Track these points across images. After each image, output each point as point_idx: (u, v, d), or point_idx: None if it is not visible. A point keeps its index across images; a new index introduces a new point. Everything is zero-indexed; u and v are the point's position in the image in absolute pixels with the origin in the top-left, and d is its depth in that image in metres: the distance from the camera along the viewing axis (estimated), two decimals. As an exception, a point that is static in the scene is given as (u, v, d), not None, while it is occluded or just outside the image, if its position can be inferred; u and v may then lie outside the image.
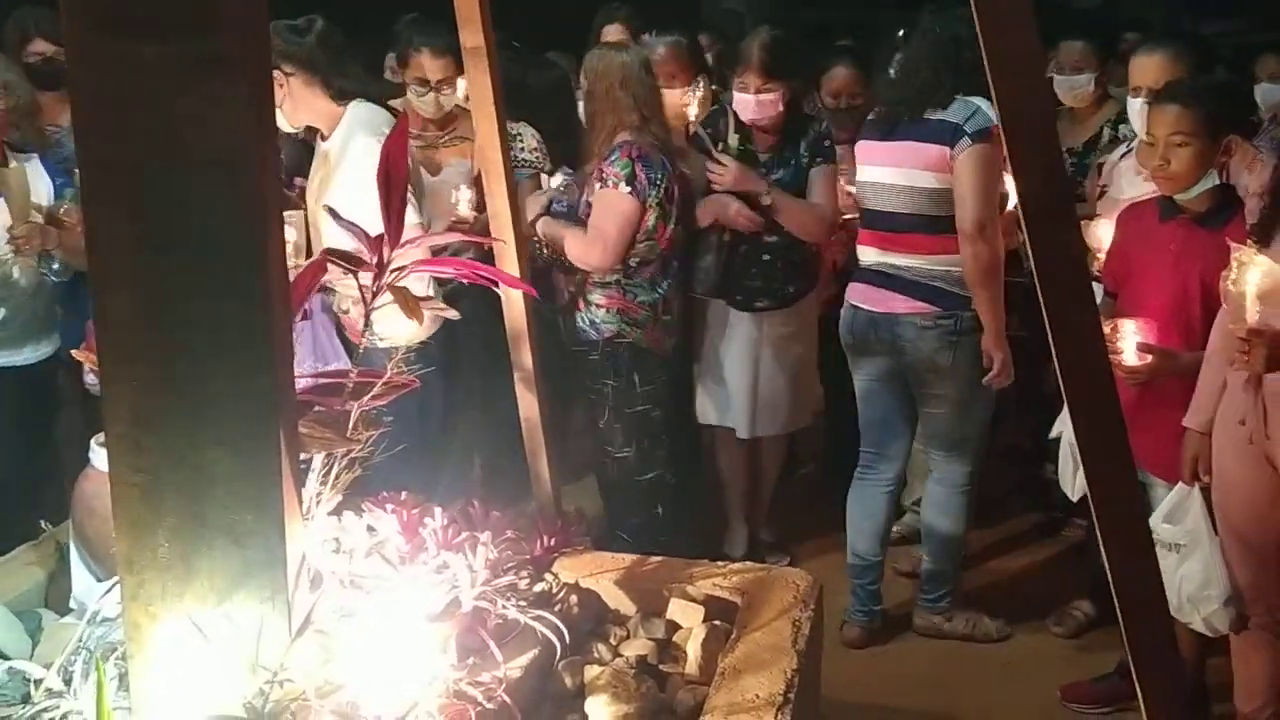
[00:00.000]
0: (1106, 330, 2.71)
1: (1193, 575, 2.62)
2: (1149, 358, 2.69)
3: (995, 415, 3.53)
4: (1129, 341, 2.71)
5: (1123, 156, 3.29)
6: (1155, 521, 2.66)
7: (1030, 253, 1.26)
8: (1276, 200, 2.46)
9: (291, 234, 2.99)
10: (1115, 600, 1.64)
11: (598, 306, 3.41)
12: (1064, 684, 3.20)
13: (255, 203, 1.29)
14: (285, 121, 3.08)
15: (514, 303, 2.27)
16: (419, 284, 3.14)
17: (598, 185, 3.29)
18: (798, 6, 10.00)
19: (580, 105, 3.77)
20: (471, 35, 2.05)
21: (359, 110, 3.07)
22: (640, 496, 3.53)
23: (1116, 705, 3.07)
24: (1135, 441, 2.54)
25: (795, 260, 3.64)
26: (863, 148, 3.43)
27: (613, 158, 3.26)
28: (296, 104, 3.03)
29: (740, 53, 3.58)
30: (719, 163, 3.50)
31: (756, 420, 3.77)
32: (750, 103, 3.50)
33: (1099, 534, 1.59)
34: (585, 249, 3.30)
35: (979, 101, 3.13)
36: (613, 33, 4.41)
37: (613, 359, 3.43)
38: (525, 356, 2.40)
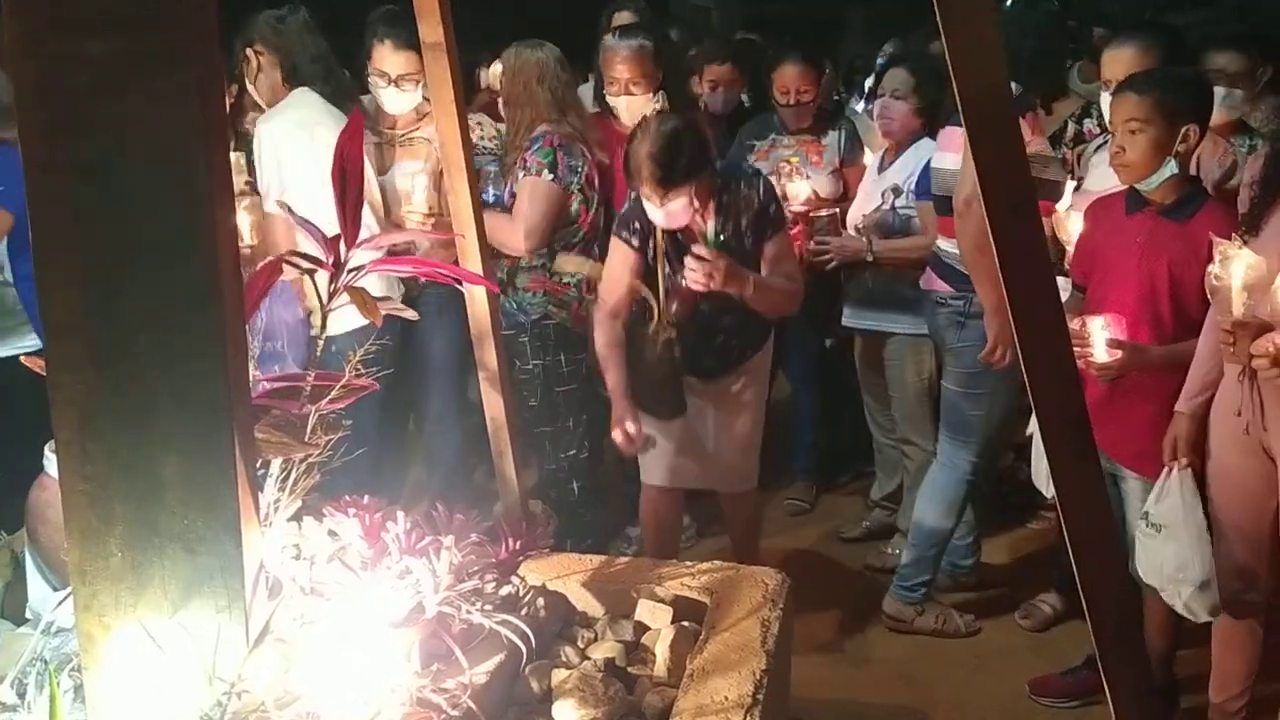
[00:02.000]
0: (1075, 327, 2.71)
1: (1172, 557, 2.62)
2: (1119, 354, 2.69)
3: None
4: (1098, 338, 2.71)
5: (1097, 149, 3.28)
6: (1150, 503, 2.69)
7: (992, 237, 1.25)
8: (1266, 191, 2.47)
9: (244, 218, 3.11)
10: (1081, 593, 1.63)
11: (524, 290, 3.52)
12: (1032, 677, 3.20)
13: (203, 201, 1.25)
14: (257, 96, 3.41)
15: (478, 300, 2.23)
16: (380, 283, 3.17)
17: (520, 173, 3.41)
18: (763, 1, 9.98)
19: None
20: (430, 30, 2.02)
21: (296, 95, 3.34)
22: (558, 474, 3.67)
23: (1085, 698, 3.08)
24: (1106, 434, 2.57)
25: (756, 323, 3.20)
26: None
27: (535, 146, 3.40)
28: (265, 83, 3.37)
29: (627, 158, 2.95)
30: (700, 258, 2.90)
31: (705, 474, 3.33)
32: (660, 215, 2.94)
33: (1065, 528, 1.59)
34: (510, 234, 3.39)
35: None
36: (624, 19, 4.31)
37: (540, 340, 3.54)
38: (490, 355, 2.36)
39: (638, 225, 3.04)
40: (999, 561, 3.96)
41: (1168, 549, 2.63)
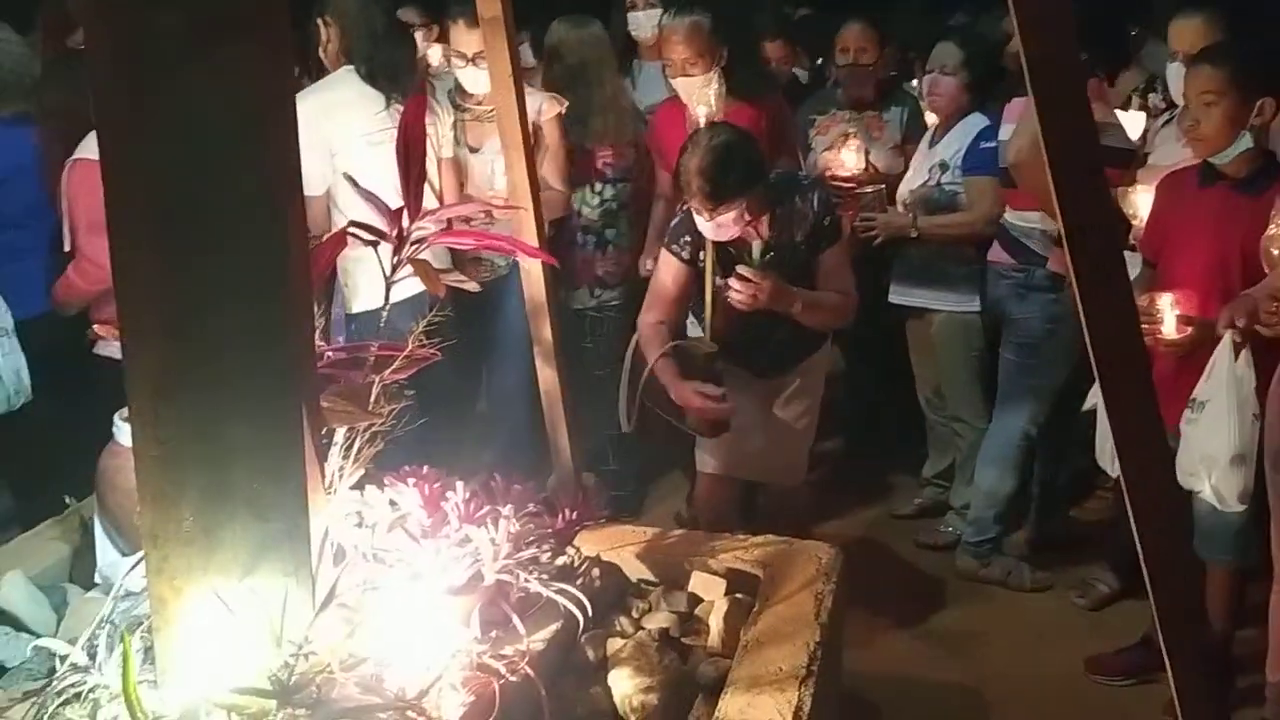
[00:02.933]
0: (1144, 303, 2.67)
1: (1207, 430, 2.47)
2: (1189, 330, 2.63)
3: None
4: (1168, 315, 2.66)
5: (1165, 124, 3.24)
6: (1197, 385, 2.54)
7: (1060, 218, 1.24)
8: None
9: None
10: (1144, 570, 1.62)
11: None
12: (1088, 655, 3.18)
13: (275, 171, 1.28)
14: (330, 68, 3.46)
15: (533, 274, 2.25)
16: (439, 256, 3.20)
17: None
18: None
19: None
20: (489, 5, 2.03)
21: (338, 74, 3.39)
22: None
23: (1140, 676, 3.05)
24: (1174, 410, 2.54)
25: (807, 333, 3.12)
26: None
27: None
28: (334, 53, 3.42)
29: (678, 171, 2.89)
30: (746, 279, 2.83)
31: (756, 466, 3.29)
32: (710, 228, 2.87)
33: (1129, 503, 1.57)
34: None
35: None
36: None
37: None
38: (545, 329, 2.38)
39: (688, 238, 2.99)
40: (1054, 539, 3.92)
41: (1204, 427, 2.48)
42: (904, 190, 3.82)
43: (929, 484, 4.21)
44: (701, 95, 3.39)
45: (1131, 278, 2.58)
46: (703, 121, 3.22)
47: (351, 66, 3.38)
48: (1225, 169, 2.70)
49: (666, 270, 3.04)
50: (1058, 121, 1.19)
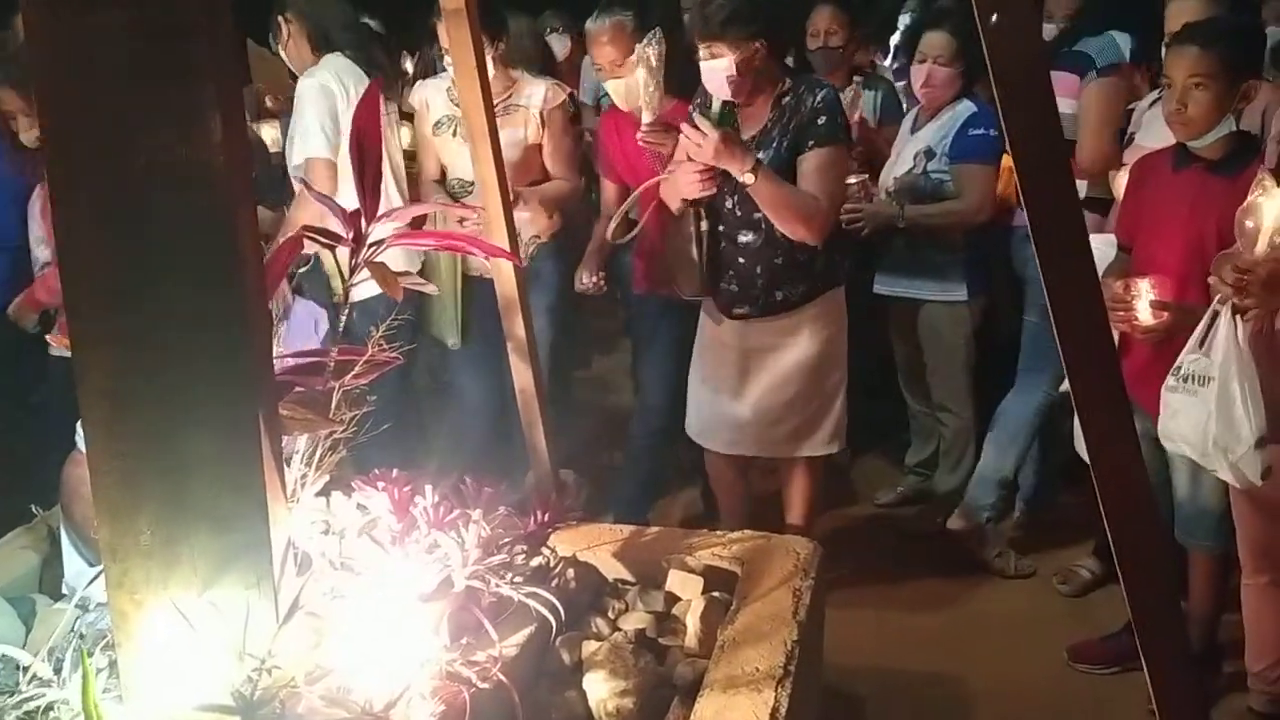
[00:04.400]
0: (1119, 289, 2.65)
1: (1220, 413, 2.39)
2: (1165, 315, 2.61)
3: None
4: (1144, 300, 2.63)
5: (1152, 104, 3.19)
6: (1183, 355, 2.49)
7: (1024, 204, 1.22)
8: None
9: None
10: (1115, 558, 1.60)
11: None
12: (1071, 643, 3.18)
13: (227, 177, 1.25)
14: (289, 63, 3.55)
15: (503, 271, 2.22)
16: (400, 257, 3.18)
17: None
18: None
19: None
20: (451, -4, 2.00)
21: (327, 59, 3.44)
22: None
23: (1124, 664, 3.04)
24: (1153, 394, 2.52)
25: (783, 263, 3.02)
26: None
27: None
28: (294, 50, 3.49)
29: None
30: (697, 128, 2.84)
31: (739, 439, 3.24)
32: (706, 72, 2.94)
33: (1098, 492, 1.56)
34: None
35: (1116, 34, 3.25)
36: None
37: None
38: (518, 327, 2.36)
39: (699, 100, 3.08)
40: (1036, 527, 3.92)
41: (1212, 405, 2.40)
42: (887, 178, 3.79)
43: (912, 472, 4.20)
44: (633, 95, 3.33)
45: (1103, 258, 2.57)
46: (644, 91, 3.17)
47: (335, 54, 3.43)
48: (1201, 151, 2.67)
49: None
50: (1020, 113, 1.17)
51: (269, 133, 4.63)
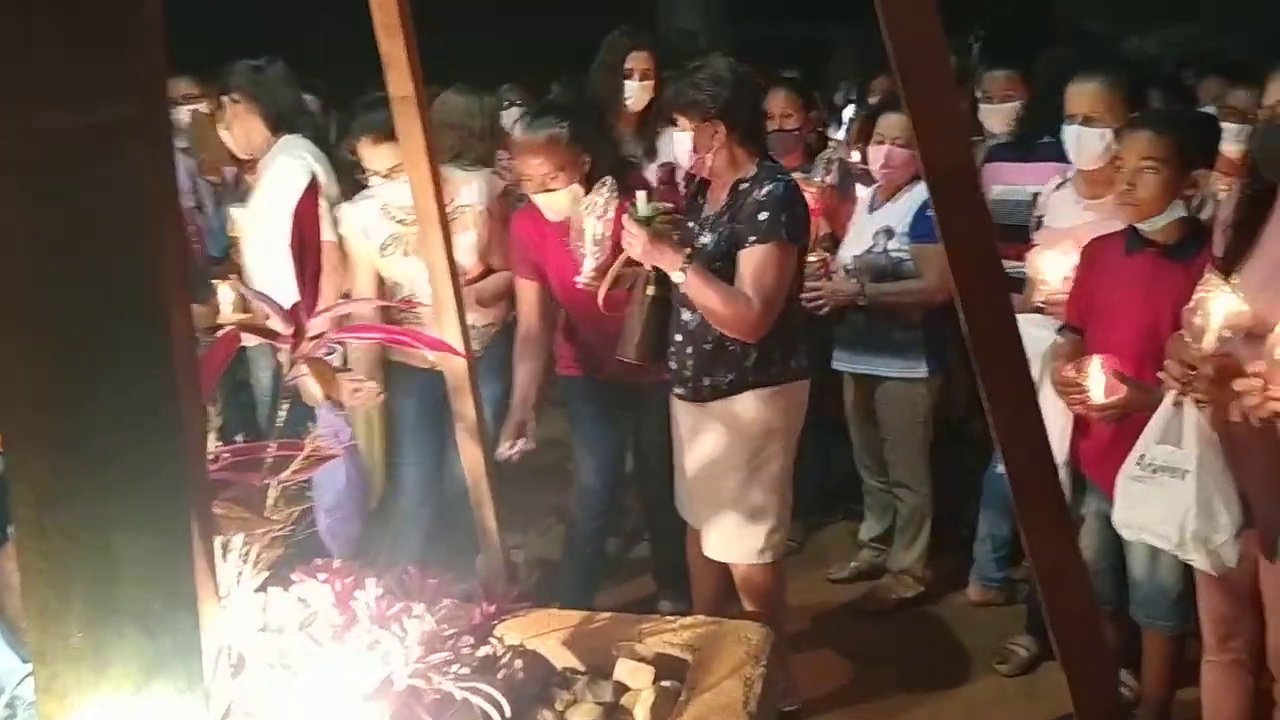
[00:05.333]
0: (1070, 372, 2.67)
1: (1200, 502, 2.36)
2: (1120, 392, 2.62)
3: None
4: (1095, 379, 2.65)
5: (1058, 186, 3.27)
6: (1148, 444, 2.45)
7: (958, 303, 1.23)
8: (1240, 232, 2.44)
9: (228, 294, 3.18)
10: (1055, 646, 1.61)
11: None
12: (1024, 724, 3.16)
13: (162, 277, 1.23)
14: (232, 144, 3.56)
15: (454, 358, 2.21)
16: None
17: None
18: (750, 24, 10.01)
19: None
20: (400, 83, 2.00)
21: (289, 140, 3.43)
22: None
23: (1078, 745, 3.02)
24: (1109, 474, 2.53)
25: (712, 349, 2.96)
26: (996, 169, 3.61)
27: None
28: (240, 130, 3.48)
29: None
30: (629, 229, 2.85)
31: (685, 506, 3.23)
32: (675, 138, 3.10)
33: (1038, 580, 1.56)
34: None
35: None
36: (639, 60, 4.14)
37: None
38: (468, 408, 2.34)
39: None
40: (968, 605, 3.94)
41: (1191, 498, 2.37)
42: (846, 256, 3.84)
43: (866, 547, 4.19)
44: (565, 211, 3.19)
45: (1035, 340, 2.59)
46: (591, 241, 2.99)
47: (295, 136, 3.43)
48: (1153, 236, 2.72)
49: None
50: (957, 223, 1.19)
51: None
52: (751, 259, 2.85)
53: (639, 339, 3.01)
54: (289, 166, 3.34)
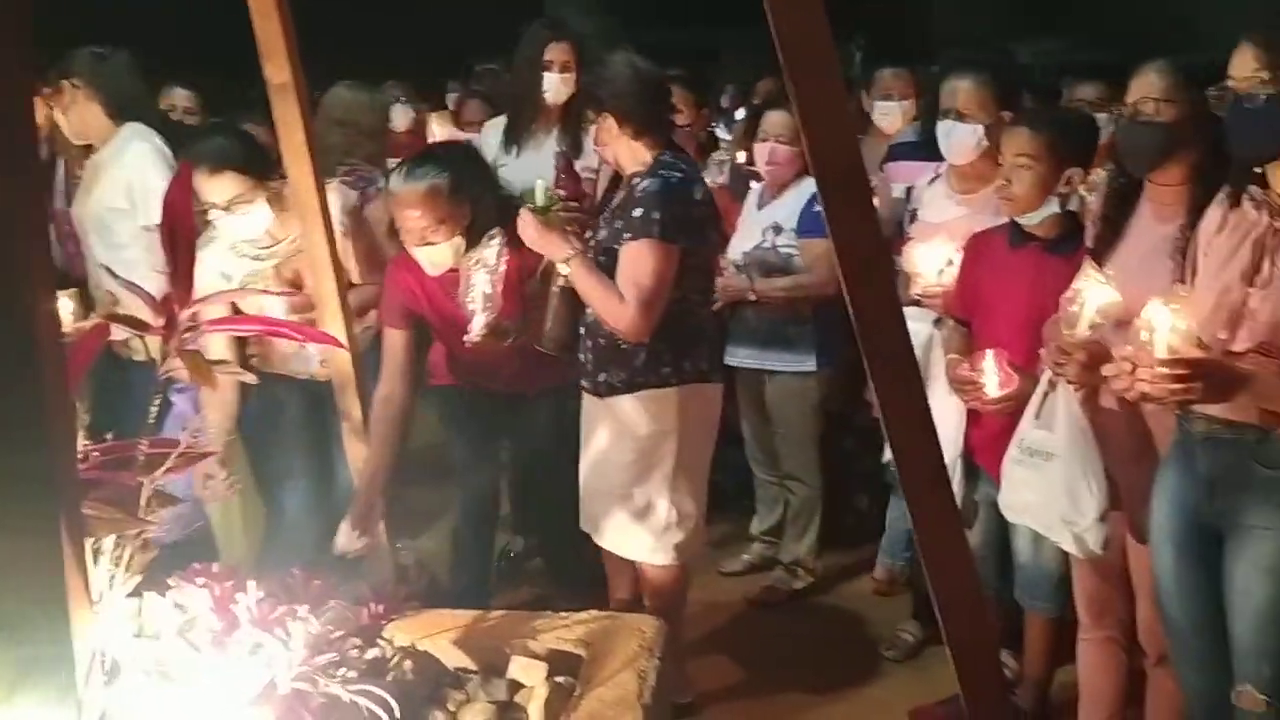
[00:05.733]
0: (963, 371, 2.73)
1: (1064, 487, 2.45)
2: (1014, 383, 2.66)
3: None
4: (990, 374, 2.69)
5: (931, 181, 3.34)
6: (1026, 427, 2.53)
7: (848, 299, 1.24)
8: (1109, 224, 2.52)
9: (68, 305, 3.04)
10: (942, 629, 1.64)
11: None
12: (911, 708, 3.22)
13: (24, 271, 1.17)
14: (67, 130, 3.47)
15: (336, 353, 2.16)
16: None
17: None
18: (636, 29, 10.06)
19: None
20: (277, 70, 1.95)
21: (136, 127, 3.38)
22: None
23: (965, 725, 3.10)
24: (999, 461, 2.58)
25: (605, 345, 2.95)
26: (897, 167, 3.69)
27: None
28: (77, 117, 3.40)
29: None
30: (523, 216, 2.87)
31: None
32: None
33: (925, 567, 1.59)
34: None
35: None
36: (559, 52, 3.94)
37: None
38: (354, 408, 2.29)
39: None
40: (861, 592, 4.00)
41: (1058, 480, 2.46)
42: (735, 252, 3.86)
43: (758, 540, 4.23)
44: (445, 264, 3.02)
45: (912, 332, 2.64)
46: (482, 297, 2.90)
47: (138, 124, 3.34)
48: (1035, 230, 2.79)
49: None
50: (844, 211, 1.20)
51: None
52: (626, 256, 2.84)
53: (549, 329, 2.99)
54: (143, 152, 3.26)
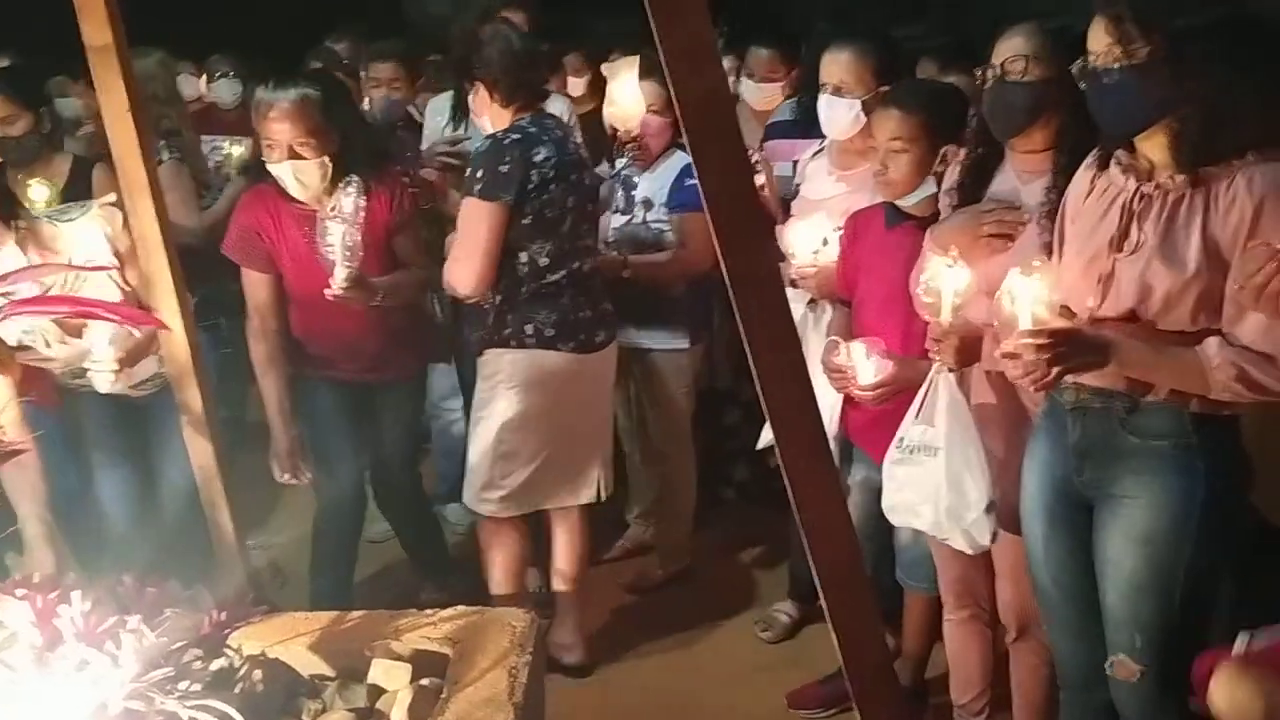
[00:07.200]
0: (834, 359, 2.69)
1: (951, 479, 2.45)
2: (889, 369, 2.64)
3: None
4: (861, 362, 2.66)
5: (814, 156, 3.28)
6: (906, 425, 2.52)
7: (723, 265, 1.16)
8: (966, 195, 2.49)
9: None
10: (825, 608, 1.59)
11: None
12: (789, 690, 3.19)
13: None
14: None
15: (173, 340, 1.99)
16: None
17: None
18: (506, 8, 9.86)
19: None
20: (96, 32, 1.77)
21: None
22: None
23: (842, 705, 3.08)
24: (877, 442, 2.55)
25: (474, 305, 3.16)
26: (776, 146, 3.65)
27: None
28: None
29: None
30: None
31: None
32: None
33: (807, 545, 1.53)
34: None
35: None
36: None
37: None
38: (193, 398, 2.12)
39: None
40: (736, 572, 3.97)
41: (942, 475, 2.46)
42: (606, 228, 3.75)
43: (633, 523, 4.16)
44: (316, 191, 2.99)
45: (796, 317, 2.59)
46: (343, 247, 2.84)
47: None
48: (912, 210, 2.74)
49: None
50: (715, 163, 1.12)
51: None
52: (459, 212, 3.01)
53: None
54: None
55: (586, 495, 3.30)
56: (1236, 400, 1.99)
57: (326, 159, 2.96)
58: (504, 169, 2.92)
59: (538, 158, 2.96)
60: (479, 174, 2.92)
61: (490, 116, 3.04)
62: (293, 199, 3.03)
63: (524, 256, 3.01)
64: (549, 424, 3.12)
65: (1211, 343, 1.97)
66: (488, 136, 3.01)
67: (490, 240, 2.93)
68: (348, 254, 2.83)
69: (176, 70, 4.27)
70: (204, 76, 5.51)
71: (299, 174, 2.95)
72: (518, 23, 3.58)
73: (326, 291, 2.87)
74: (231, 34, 5.65)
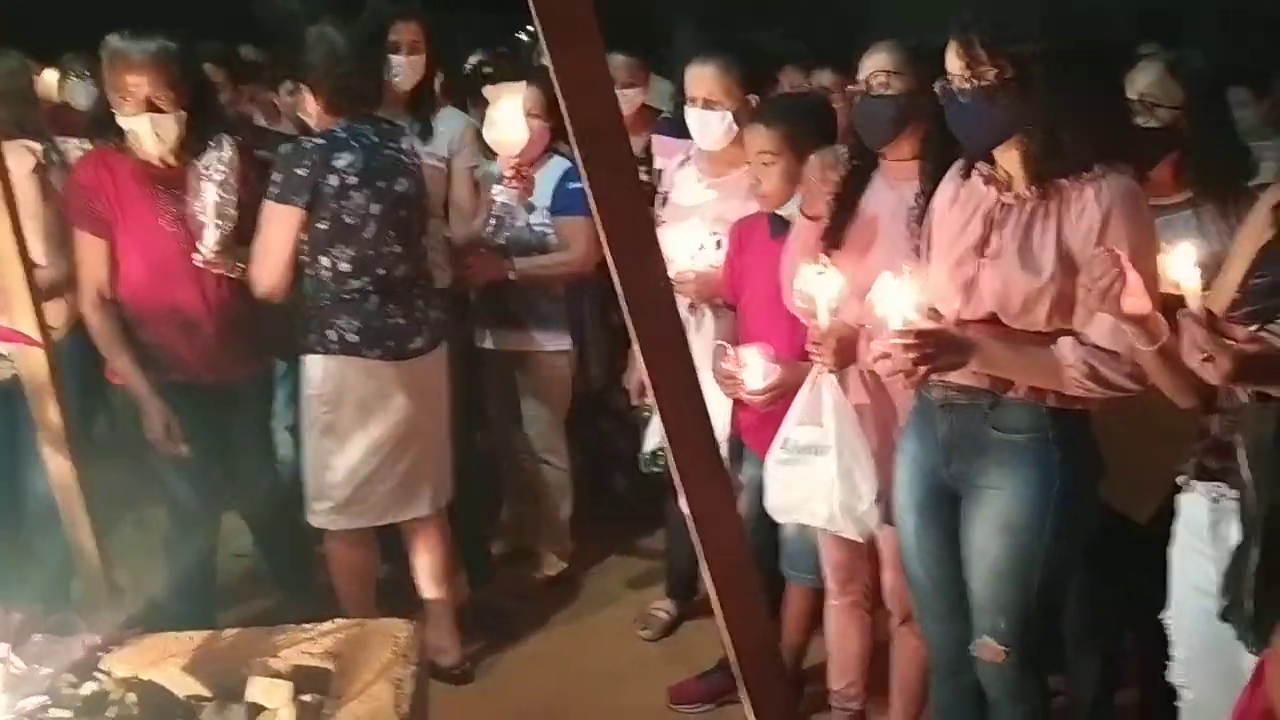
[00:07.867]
0: (724, 366, 2.72)
1: (842, 474, 2.50)
2: (776, 373, 2.68)
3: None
4: (750, 367, 2.70)
5: (682, 164, 3.32)
6: (790, 427, 2.58)
7: (616, 282, 1.18)
8: (843, 204, 2.57)
9: None
10: (716, 603, 1.61)
11: None
12: (670, 686, 3.23)
13: None
14: None
15: (28, 354, 1.91)
16: None
17: None
18: (358, 8, 9.62)
19: None
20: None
21: None
22: None
23: (721, 699, 3.13)
24: (767, 441, 2.59)
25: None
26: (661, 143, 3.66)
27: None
28: None
29: None
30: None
31: None
32: None
33: (699, 541, 1.55)
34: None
35: None
36: (407, 32, 3.61)
37: None
38: (51, 414, 2.04)
39: None
40: (615, 573, 4.00)
41: (834, 471, 2.51)
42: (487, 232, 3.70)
43: (510, 528, 4.13)
44: (168, 144, 2.90)
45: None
46: (214, 209, 2.81)
47: None
48: (792, 219, 2.80)
49: None
50: (606, 184, 1.13)
51: None
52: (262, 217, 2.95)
53: None
54: None
55: (420, 508, 3.19)
56: (1088, 396, 2.12)
57: (183, 112, 2.86)
58: (300, 172, 2.89)
59: (339, 163, 2.91)
60: (276, 176, 2.90)
61: (315, 120, 3.02)
62: (137, 160, 2.91)
63: (325, 261, 2.97)
64: (365, 434, 3.04)
65: (1065, 342, 2.09)
66: (290, 139, 3.02)
67: (283, 242, 2.91)
68: (219, 217, 2.79)
69: (36, 71, 4.07)
70: (57, 76, 5.29)
71: (157, 127, 2.84)
72: (412, 35, 3.58)
73: (195, 257, 2.84)
74: (83, 34, 5.37)
